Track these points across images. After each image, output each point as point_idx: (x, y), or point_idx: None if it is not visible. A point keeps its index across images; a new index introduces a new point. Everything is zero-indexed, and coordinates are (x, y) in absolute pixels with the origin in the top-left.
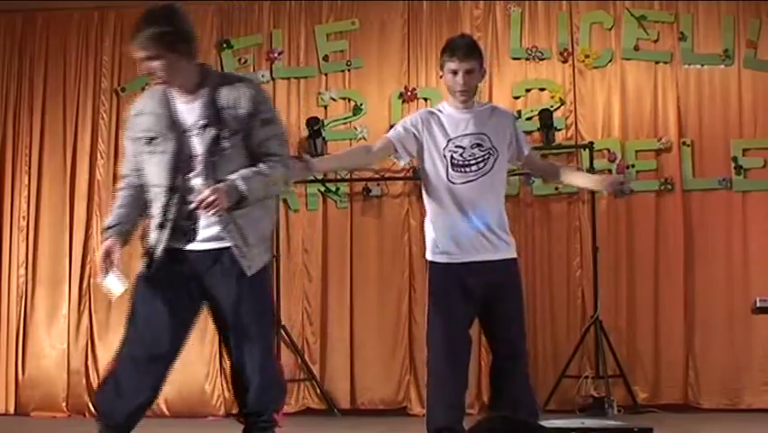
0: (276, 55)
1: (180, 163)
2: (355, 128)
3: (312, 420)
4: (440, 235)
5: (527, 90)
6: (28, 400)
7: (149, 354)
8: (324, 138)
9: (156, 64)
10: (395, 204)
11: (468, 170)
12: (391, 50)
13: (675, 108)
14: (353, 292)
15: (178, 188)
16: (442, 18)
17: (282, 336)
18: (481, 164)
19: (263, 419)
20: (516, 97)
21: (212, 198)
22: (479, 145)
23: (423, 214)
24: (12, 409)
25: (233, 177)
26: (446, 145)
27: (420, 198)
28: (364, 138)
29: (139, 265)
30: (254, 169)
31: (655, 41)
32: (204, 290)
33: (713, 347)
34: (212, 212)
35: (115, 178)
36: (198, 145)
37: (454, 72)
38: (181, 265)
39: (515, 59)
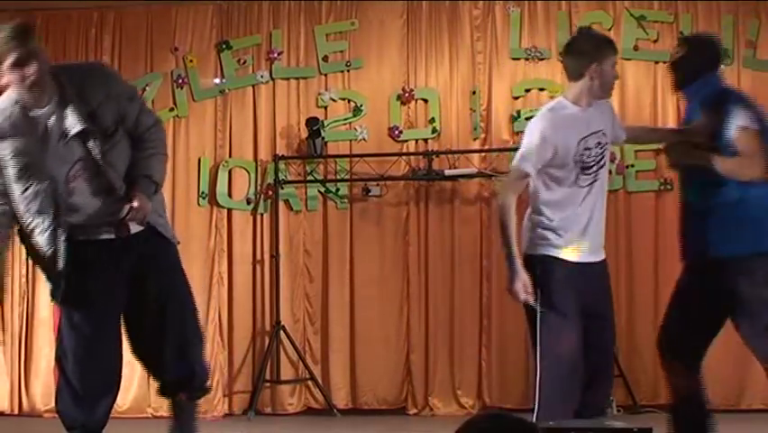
0: (275, 55)
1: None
2: (355, 129)
3: (312, 420)
4: (568, 233)
5: (527, 90)
6: (32, 399)
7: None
8: (323, 138)
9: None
10: (395, 204)
11: (591, 170)
12: (391, 50)
13: (674, 108)
14: (354, 293)
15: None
16: (441, 18)
17: (282, 337)
18: (600, 162)
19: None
20: (516, 97)
21: (141, 209)
22: (599, 144)
23: (426, 214)
24: (16, 409)
25: (142, 171)
26: (576, 148)
27: (421, 199)
28: (364, 139)
29: None
30: (150, 152)
31: (655, 41)
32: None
33: (712, 347)
34: (143, 220)
35: None
36: (80, 150)
37: (614, 65)
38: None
39: (514, 59)
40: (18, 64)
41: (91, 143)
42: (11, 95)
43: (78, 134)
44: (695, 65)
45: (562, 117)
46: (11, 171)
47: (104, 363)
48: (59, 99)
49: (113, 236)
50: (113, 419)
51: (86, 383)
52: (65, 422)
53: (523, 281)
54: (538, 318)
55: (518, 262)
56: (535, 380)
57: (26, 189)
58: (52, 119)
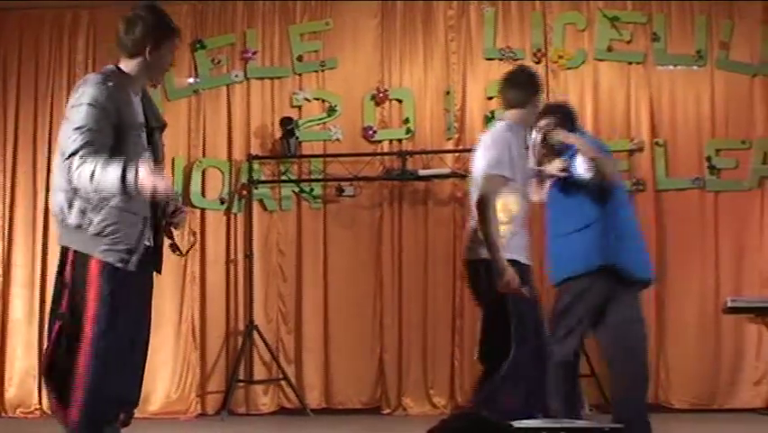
0: (250, 55)
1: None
2: (329, 129)
3: (286, 420)
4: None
5: None
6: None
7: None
8: (297, 138)
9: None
10: (369, 204)
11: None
12: (365, 50)
13: (648, 109)
14: (327, 293)
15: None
16: (415, 18)
17: (255, 337)
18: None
19: None
20: (490, 98)
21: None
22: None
23: (400, 214)
24: None
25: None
26: None
27: (395, 199)
28: (338, 139)
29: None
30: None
31: (628, 42)
32: None
33: (684, 347)
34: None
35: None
36: (145, 144)
37: None
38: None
39: (488, 59)
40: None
41: (158, 140)
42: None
43: (155, 128)
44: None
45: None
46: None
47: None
48: (143, 92)
49: (150, 244)
50: None
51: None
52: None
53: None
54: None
55: None
56: None
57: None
58: (139, 108)
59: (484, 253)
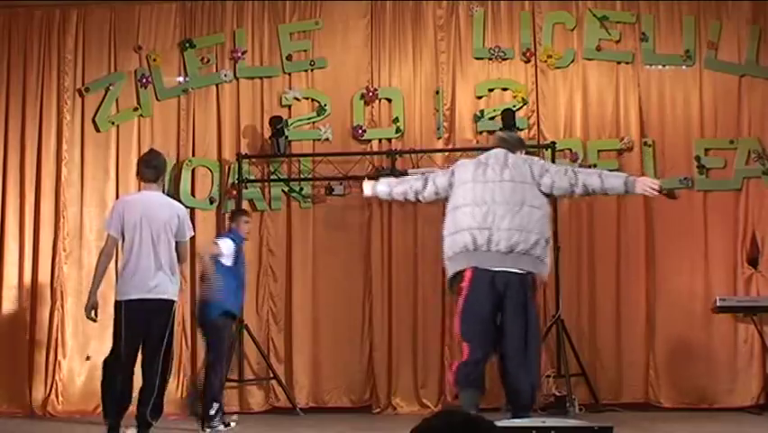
0: (239, 54)
1: None
2: (319, 128)
3: (278, 419)
4: None
5: (490, 90)
6: None
7: None
8: (287, 138)
9: None
10: (358, 203)
11: None
12: (354, 49)
13: (637, 108)
14: (317, 292)
15: None
16: (405, 18)
17: (246, 336)
18: None
19: None
20: (479, 97)
21: None
22: None
23: (389, 214)
24: None
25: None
26: None
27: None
28: (328, 138)
29: None
30: None
31: (617, 42)
32: None
33: (674, 346)
34: None
35: (83, 177)
36: None
37: None
38: None
39: (477, 58)
40: None
41: None
42: None
43: None
44: None
45: None
46: None
47: None
48: None
49: None
50: None
51: None
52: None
53: None
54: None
55: None
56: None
57: None
58: None
59: None
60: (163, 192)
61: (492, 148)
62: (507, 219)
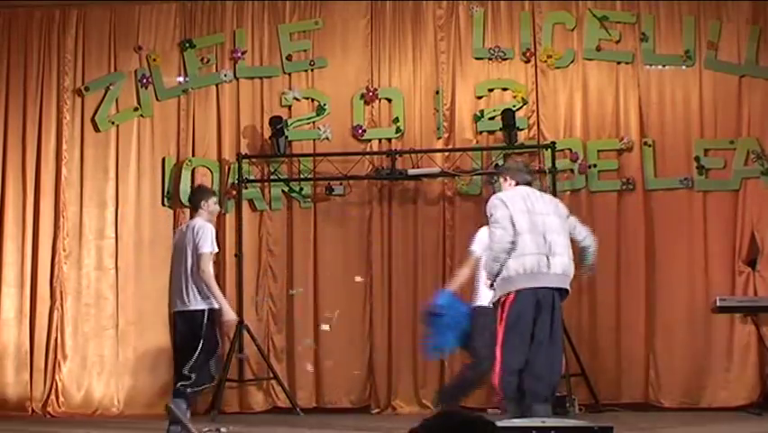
0: (239, 54)
1: None
2: (319, 128)
3: (277, 419)
4: None
5: (490, 90)
6: None
7: None
8: (287, 138)
9: None
10: (358, 203)
11: None
12: (354, 49)
13: (637, 108)
14: (317, 293)
15: None
16: (405, 18)
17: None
18: None
19: None
20: (479, 97)
21: None
22: None
23: (390, 213)
24: None
25: None
26: None
27: (385, 199)
28: (328, 138)
29: None
30: None
31: (617, 42)
32: None
33: (674, 346)
34: None
35: (83, 177)
36: None
37: None
38: None
39: (477, 58)
40: None
41: None
42: None
43: None
44: None
45: None
46: None
47: None
48: None
49: None
50: None
51: None
52: None
53: None
54: None
55: None
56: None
57: None
58: None
59: None
60: (164, 193)
61: (495, 148)
62: (560, 246)
